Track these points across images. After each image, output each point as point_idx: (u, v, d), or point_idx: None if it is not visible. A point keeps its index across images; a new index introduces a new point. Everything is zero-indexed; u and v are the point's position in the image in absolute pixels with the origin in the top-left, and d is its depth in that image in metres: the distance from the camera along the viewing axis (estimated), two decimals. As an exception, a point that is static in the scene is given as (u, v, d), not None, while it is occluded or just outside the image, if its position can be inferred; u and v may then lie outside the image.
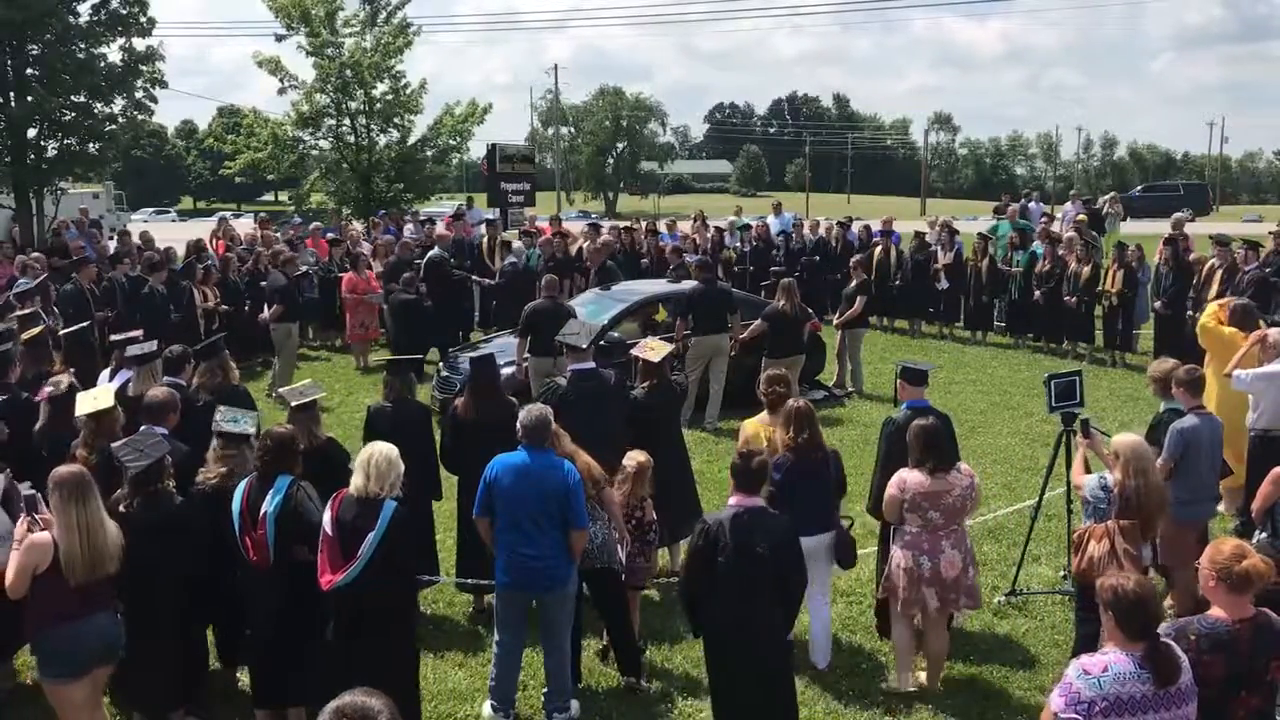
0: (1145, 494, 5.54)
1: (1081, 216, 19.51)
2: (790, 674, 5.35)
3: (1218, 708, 3.85)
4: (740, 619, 4.99)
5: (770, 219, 20.86)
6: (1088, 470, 6.44)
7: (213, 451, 5.81)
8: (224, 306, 13.93)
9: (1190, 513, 6.62)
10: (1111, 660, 3.68)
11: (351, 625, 5.00)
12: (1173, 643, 3.75)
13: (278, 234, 18.79)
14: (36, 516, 4.82)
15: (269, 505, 5.21)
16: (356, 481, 5.08)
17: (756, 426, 6.62)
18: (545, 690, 5.81)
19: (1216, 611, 4.00)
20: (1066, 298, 14.77)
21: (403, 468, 5.18)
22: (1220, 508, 7.99)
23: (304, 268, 14.95)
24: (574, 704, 5.74)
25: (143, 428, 6.03)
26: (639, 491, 6.33)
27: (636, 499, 6.34)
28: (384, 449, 5.17)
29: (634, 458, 6.34)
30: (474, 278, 16.01)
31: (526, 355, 10.73)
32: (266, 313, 13.30)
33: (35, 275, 12.62)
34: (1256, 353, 7.89)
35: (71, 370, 7.72)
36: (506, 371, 10.18)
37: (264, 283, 14.31)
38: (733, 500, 5.12)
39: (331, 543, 5.00)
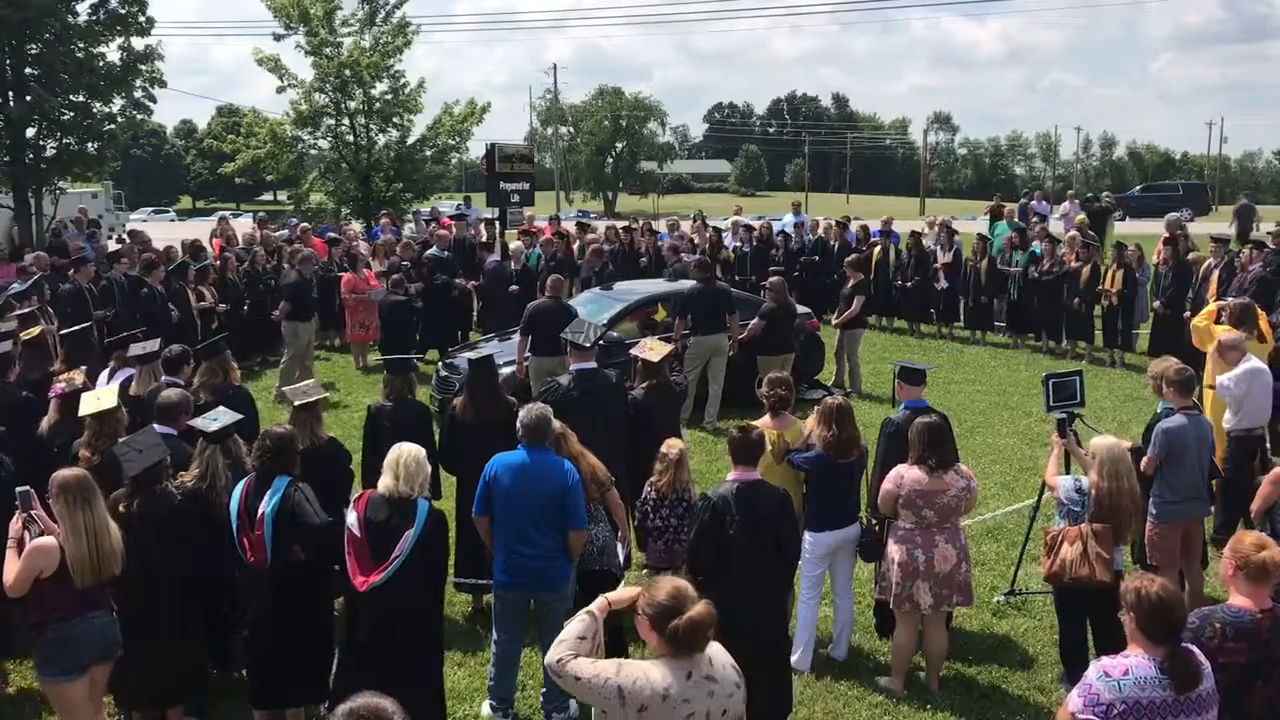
0: (1118, 498, 5.58)
1: (1081, 216, 19.52)
2: (787, 635, 5.71)
3: (1235, 698, 3.87)
4: (753, 581, 5.18)
5: (787, 217, 20.79)
6: (1068, 470, 6.46)
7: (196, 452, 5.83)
8: (222, 306, 13.92)
9: (1177, 513, 6.61)
10: (1133, 663, 3.64)
11: (384, 626, 4.98)
12: (1195, 648, 3.72)
13: (279, 233, 18.76)
14: (33, 514, 4.81)
15: (266, 506, 5.21)
16: (386, 482, 5.10)
17: (759, 429, 6.61)
18: (544, 690, 5.81)
19: (1240, 600, 4.05)
20: (1066, 298, 14.77)
21: (430, 469, 5.20)
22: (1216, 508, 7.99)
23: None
24: (572, 703, 5.73)
25: (145, 428, 6.03)
26: (681, 478, 6.35)
27: (680, 484, 6.34)
28: (412, 450, 5.18)
29: (674, 445, 6.38)
30: (455, 281, 15.37)
31: (527, 355, 10.71)
32: (278, 310, 13.24)
33: (28, 277, 12.59)
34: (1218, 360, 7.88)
35: (83, 369, 7.72)
36: (506, 371, 10.18)
37: (262, 283, 14.26)
38: (732, 475, 5.36)
39: (360, 544, 4.99)
